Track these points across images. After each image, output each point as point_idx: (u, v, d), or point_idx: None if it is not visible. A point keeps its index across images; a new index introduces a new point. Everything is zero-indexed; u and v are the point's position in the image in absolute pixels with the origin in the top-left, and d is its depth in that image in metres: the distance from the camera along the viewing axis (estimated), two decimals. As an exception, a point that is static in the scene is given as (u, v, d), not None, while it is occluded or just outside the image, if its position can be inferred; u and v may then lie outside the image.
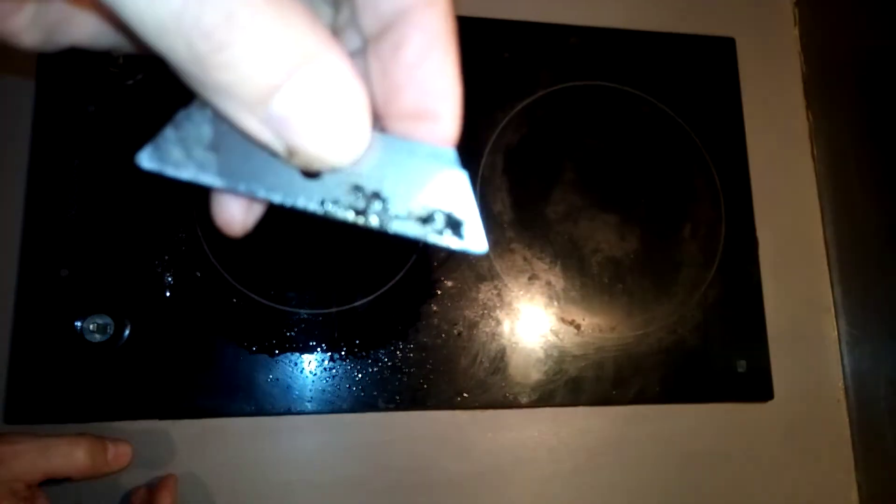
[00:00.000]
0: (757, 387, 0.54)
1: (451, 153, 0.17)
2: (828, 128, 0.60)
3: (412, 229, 0.17)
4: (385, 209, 0.17)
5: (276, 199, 0.17)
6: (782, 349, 0.55)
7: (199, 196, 0.19)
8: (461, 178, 0.17)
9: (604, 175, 0.56)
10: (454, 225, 0.17)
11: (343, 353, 0.48)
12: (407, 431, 0.50)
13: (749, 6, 0.63)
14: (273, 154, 0.16)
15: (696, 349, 0.53)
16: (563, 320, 0.52)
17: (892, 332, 0.53)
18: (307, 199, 0.17)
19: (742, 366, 0.53)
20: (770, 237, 0.57)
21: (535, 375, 0.51)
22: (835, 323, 0.58)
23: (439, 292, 0.51)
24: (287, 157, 0.15)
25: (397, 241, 0.17)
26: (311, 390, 0.47)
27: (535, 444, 0.51)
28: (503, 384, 0.50)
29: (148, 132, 0.16)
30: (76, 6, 0.18)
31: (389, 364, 0.49)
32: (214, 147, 0.16)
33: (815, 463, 0.55)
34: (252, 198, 0.18)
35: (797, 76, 0.63)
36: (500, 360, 0.50)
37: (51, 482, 0.39)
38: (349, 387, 0.48)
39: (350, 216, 0.17)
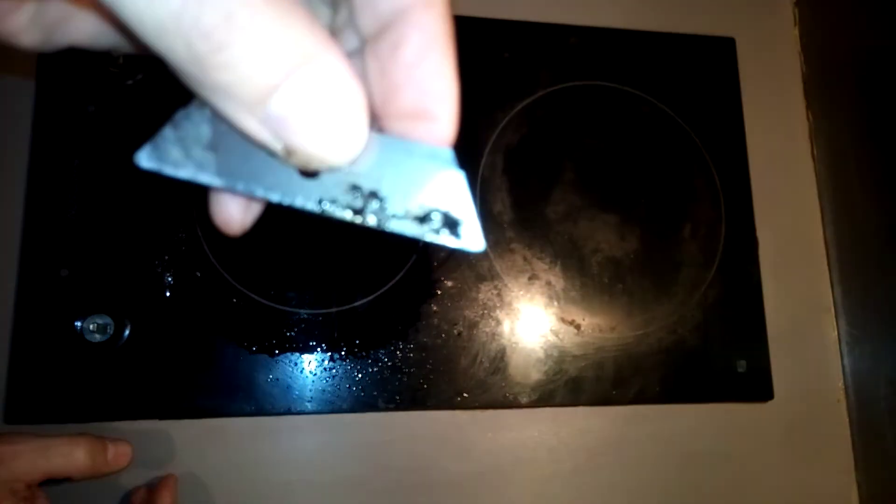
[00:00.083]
0: (757, 387, 0.54)
1: (449, 153, 0.17)
2: (828, 128, 0.60)
3: (409, 228, 0.17)
4: (382, 208, 0.17)
5: (275, 198, 0.17)
6: (782, 349, 0.55)
7: (199, 196, 0.19)
8: (458, 178, 0.17)
9: (604, 175, 0.56)
10: (451, 224, 0.17)
11: (343, 353, 0.48)
12: (407, 431, 0.50)
13: (749, 6, 0.63)
14: (271, 154, 0.16)
15: (696, 349, 0.53)
16: (563, 320, 0.52)
17: (892, 332, 0.53)
18: (305, 198, 0.17)
19: (742, 366, 0.53)
20: (770, 237, 0.57)
21: (535, 375, 0.51)
22: (835, 323, 0.58)
23: (439, 292, 0.51)
24: (285, 157, 0.16)
25: (397, 240, 0.17)
26: (311, 390, 0.47)
27: (535, 444, 0.51)
28: (503, 384, 0.50)
29: (148, 132, 0.16)
30: (75, 6, 0.19)
31: (389, 364, 0.49)
32: (213, 146, 0.16)
33: (815, 463, 0.55)
34: (250, 197, 0.18)
35: (797, 76, 0.63)
36: (500, 360, 0.50)
37: (51, 482, 0.39)
38: (349, 387, 0.48)
39: (348, 215, 0.17)
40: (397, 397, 0.48)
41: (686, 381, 0.53)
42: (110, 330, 0.46)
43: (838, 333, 0.58)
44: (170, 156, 0.16)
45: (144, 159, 0.16)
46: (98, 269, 0.47)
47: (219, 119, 0.16)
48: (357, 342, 0.49)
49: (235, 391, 0.47)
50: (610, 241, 0.54)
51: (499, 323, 0.51)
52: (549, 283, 0.53)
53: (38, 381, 0.45)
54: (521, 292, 0.52)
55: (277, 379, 0.47)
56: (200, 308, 0.47)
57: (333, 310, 0.49)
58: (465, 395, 0.49)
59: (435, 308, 0.50)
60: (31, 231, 0.47)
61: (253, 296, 0.48)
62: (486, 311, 0.51)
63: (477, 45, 0.56)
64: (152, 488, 0.44)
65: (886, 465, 0.53)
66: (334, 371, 0.48)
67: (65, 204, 0.47)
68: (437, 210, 0.17)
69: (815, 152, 0.61)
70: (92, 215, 0.47)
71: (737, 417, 0.54)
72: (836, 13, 0.60)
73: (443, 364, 0.49)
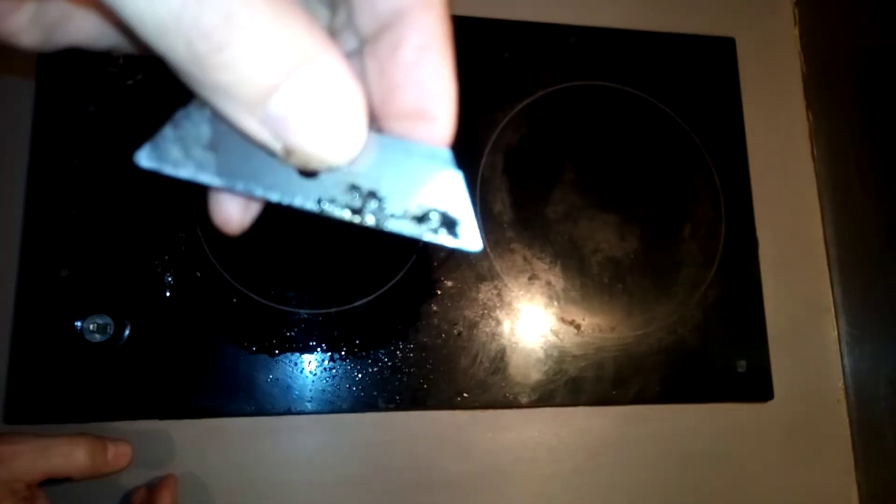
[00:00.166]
0: (757, 387, 0.54)
1: (447, 153, 0.17)
2: (828, 128, 0.60)
3: (408, 228, 0.17)
4: (381, 208, 0.17)
5: (274, 197, 0.17)
6: (782, 349, 0.55)
7: (199, 196, 0.19)
8: (456, 178, 0.17)
9: (604, 175, 0.56)
10: (449, 224, 0.17)
11: (343, 353, 0.48)
12: (407, 431, 0.50)
13: (749, 6, 0.63)
14: (271, 153, 0.16)
15: (696, 349, 0.53)
16: (563, 320, 0.52)
17: (892, 332, 0.53)
18: (304, 198, 0.17)
19: (742, 366, 0.53)
20: (770, 237, 0.57)
21: (535, 375, 0.51)
22: (835, 323, 0.58)
23: (439, 292, 0.51)
24: (284, 157, 0.16)
25: (397, 240, 0.18)
26: (311, 390, 0.47)
27: (535, 444, 0.51)
28: (503, 384, 0.50)
29: (148, 132, 0.16)
30: (76, 6, 0.19)
31: (389, 364, 0.49)
32: (213, 146, 0.16)
33: (815, 463, 0.55)
34: (250, 197, 0.18)
35: (797, 76, 0.63)
36: (500, 360, 0.50)
37: (51, 482, 0.39)
38: (349, 387, 0.48)
39: (346, 215, 0.17)
40: (397, 397, 0.48)
41: (686, 381, 0.53)
42: (110, 330, 0.46)
43: (838, 333, 0.58)
44: (169, 155, 0.16)
45: (144, 159, 0.16)
46: (98, 269, 0.47)
47: (218, 119, 0.16)
48: (357, 342, 0.49)
49: (235, 391, 0.47)
50: (610, 241, 0.54)
51: (499, 323, 0.51)
52: (549, 283, 0.53)
53: (38, 381, 0.45)
54: (521, 292, 0.52)
55: (277, 379, 0.47)
56: (200, 308, 0.47)
57: (333, 310, 0.49)
58: (465, 395, 0.49)
59: (435, 308, 0.50)
60: (31, 231, 0.47)
61: (253, 296, 0.48)
62: (486, 311, 0.51)
63: (477, 45, 0.56)
64: (152, 488, 0.44)
65: (886, 465, 0.53)
66: (334, 371, 0.48)
67: (65, 204, 0.47)
68: (435, 210, 0.17)
69: (815, 152, 0.61)
70: (92, 215, 0.47)
71: (737, 417, 0.54)
72: (836, 13, 0.60)
73: (443, 364, 0.49)
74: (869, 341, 0.55)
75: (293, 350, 0.48)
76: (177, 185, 0.17)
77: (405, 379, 0.49)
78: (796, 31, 0.64)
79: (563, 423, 0.52)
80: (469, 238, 0.17)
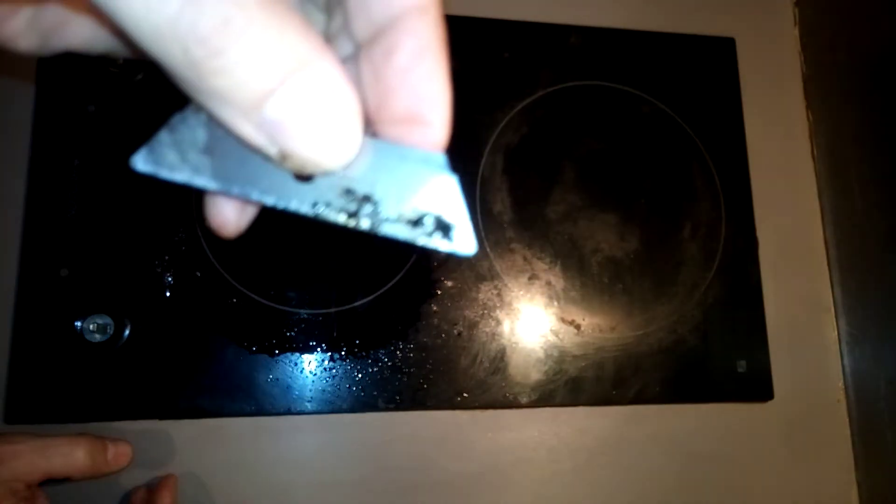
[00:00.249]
0: (757, 387, 0.54)
1: (442, 158, 0.17)
2: (828, 128, 0.60)
3: (403, 232, 0.17)
4: (376, 212, 0.17)
5: (269, 201, 0.17)
6: (782, 349, 0.55)
7: (199, 196, 0.19)
8: (451, 183, 0.17)
9: (604, 175, 0.56)
10: (444, 228, 0.17)
11: (343, 353, 0.48)
12: (407, 431, 0.50)
13: (749, 6, 0.63)
14: (266, 158, 0.16)
15: (696, 349, 0.53)
16: (563, 320, 0.52)
17: (892, 332, 0.53)
18: (300, 201, 0.17)
19: (742, 366, 0.53)
20: (770, 237, 0.57)
21: (535, 375, 0.51)
22: (835, 323, 0.58)
23: (439, 292, 0.51)
24: (280, 161, 0.16)
25: (395, 242, 0.18)
26: (311, 390, 0.47)
27: (535, 444, 0.51)
28: (503, 384, 0.50)
29: (148, 132, 0.17)
30: (72, 11, 0.19)
31: (389, 364, 0.49)
32: (209, 150, 0.17)
33: (815, 463, 0.55)
34: (245, 200, 0.18)
35: (797, 76, 0.63)
36: (500, 360, 0.50)
37: (51, 482, 0.39)
38: (349, 387, 0.48)
39: (341, 219, 0.17)
40: (397, 397, 0.48)
41: (686, 381, 0.53)
42: (110, 330, 0.46)
43: (838, 333, 0.58)
44: (166, 159, 0.16)
45: (140, 162, 0.16)
46: (98, 269, 0.47)
47: (214, 123, 0.16)
48: (357, 342, 0.49)
49: (235, 391, 0.47)
50: (610, 241, 0.54)
51: (499, 323, 0.51)
52: (549, 283, 0.53)
53: (38, 381, 0.45)
54: (521, 292, 0.52)
55: (277, 379, 0.47)
56: (200, 308, 0.47)
57: (333, 310, 0.49)
58: (465, 395, 0.49)
59: (435, 308, 0.50)
60: (31, 231, 0.47)
61: (253, 296, 0.48)
62: (486, 311, 0.51)
63: (477, 45, 0.56)
64: (152, 488, 0.44)
65: (886, 465, 0.53)
66: (334, 371, 0.48)
67: (65, 204, 0.47)
68: (429, 214, 0.17)
69: (815, 152, 0.61)
70: (92, 215, 0.47)
71: (737, 417, 0.54)
72: (836, 13, 0.60)
73: (443, 364, 0.49)
74: (869, 341, 0.55)
75: (293, 350, 0.48)
76: (176, 185, 0.17)
77: (405, 379, 0.49)
78: (796, 31, 0.64)
79: (563, 423, 0.52)
80: (464, 242, 0.17)
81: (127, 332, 0.46)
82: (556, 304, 0.52)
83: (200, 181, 0.17)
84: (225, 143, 0.16)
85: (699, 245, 0.56)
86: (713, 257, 0.55)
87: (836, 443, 0.56)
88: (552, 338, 0.52)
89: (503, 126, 0.55)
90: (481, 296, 0.51)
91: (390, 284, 0.50)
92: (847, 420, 0.56)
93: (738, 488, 0.53)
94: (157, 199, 0.49)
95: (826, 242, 0.59)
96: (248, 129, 0.15)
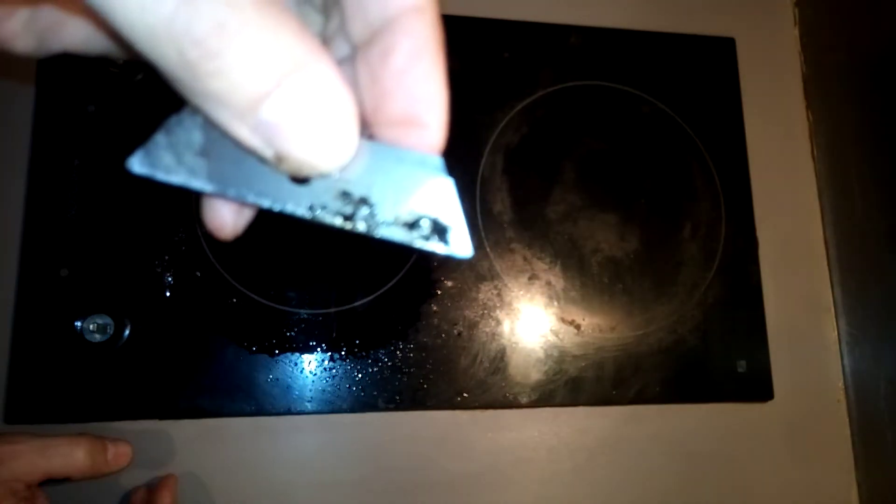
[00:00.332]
0: (757, 387, 0.54)
1: (438, 160, 0.17)
2: (828, 128, 0.60)
3: (399, 235, 0.17)
4: (372, 215, 0.17)
5: (266, 204, 0.17)
6: (782, 349, 0.55)
7: (199, 196, 0.19)
8: (447, 185, 0.17)
9: (604, 175, 0.56)
10: (440, 231, 0.17)
11: (343, 353, 0.48)
12: (407, 431, 0.50)
13: (749, 6, 0.63)
14: (262, 160, 0.16)
15: (696, 349, 0.53)
16: (563, 320, 0.52)
17: (892, 332, 0.53)
18: (296, 204, 0.17)
19: (742, 366, 0.53)
20: (770, 237, 0.57)
21: (535, 375, 0.51)
22: (835, 323, 0.58)
23: (439, 292, 0.51)
24: (276, 163, 0.16)
25: (392, 244, 0.18)
26: (311, 390, 0.47)
27: (535, 444, 0.51)
28: (503, 384, 0.50)
29: (147, 133, 0.17)
30: (68, 13, 0.19)
31: (389, 364, 0.49)
32: (205, 152, 0.17)
33: (815, 463, 0.55)
34: (242, 203, 0.18)
35: (797, 76, 0.63)
36: (500, 360, 0.50)
37: (51, 482, 0.39)
38: (349, 387, 0.48)
39: (338, 221, 0.17)
40: (397, 397, 0.48)
41: (686, 381, 0.53)
42: (110, 330, 0.46)
43: (838, 333, 0.58)
44: (162, 161, 0.16)
45: (136, 165, 0.16)
46: (98, 269, 0.47)
47: (210, 125, 0.16)
48: (357, 342, 0.49)
49: (235, 391, 0.47)
50: (610, 241, 0.54)
51: (499, 323, 0.51)
52: (549, 283, 0.53)
53: (38, 381, 0.45)
54: (521, 292, 0.52)
55: (277, 379, 0.47)
56: (200, 308, 0.48)
57: (333, 310, 0.49)
58: (465, 395, 0.49)
59: (435, 308, 0.50)
60: (31, 231, 0.47)
61: (253, 296, 0.48)
62: (486, 311, 0.51)
63: (477, 45, 0.56)
64: (152, 488, 0.44)
65: (886, 465, 0.53)
66: (334, 371, 0.48)
67: (65, 204, 0.47)
68: (426, 217, 0.17)
69: (815, 152, 0.61)
70: (92, 215, 0.47)
71: (737, 417, 0.54)
72: (836, 13, 0.60)
73: (443, 364, 0.49)
74: (869, 341, 0.55)
75: (293, 350, 0.48)
76: (173, 187, 0.17)
77: (405, 379, 0.49)
78: (796, 31, 0.64)
79: (563, 423, 0.52)
80: (460, 245, 0.17)
81: (127, 332, 0.46)
82: (556, 304, 0.52)
83: (196, 183, 0.17)
84: (221, 145, 0.16)
85: (699, 245, 0.56)
86: (713, 257, 0.55)
87: (836, 443, 0.56)
88: (552, 338, 0.52)
89: (503, 126, 0.55)
90: (481, 296, 0.51)
91: (390, 284, 0.50)
92: (847, 420, 0.56)
93: (738, 488, 0.53)
94: (158, 200, 0.49)
95: (826, 242, 0.59)
96: (243, 132, 0.15)
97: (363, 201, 0.17)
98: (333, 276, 0.50)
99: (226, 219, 0.19)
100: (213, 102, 0.15)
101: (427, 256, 0.51)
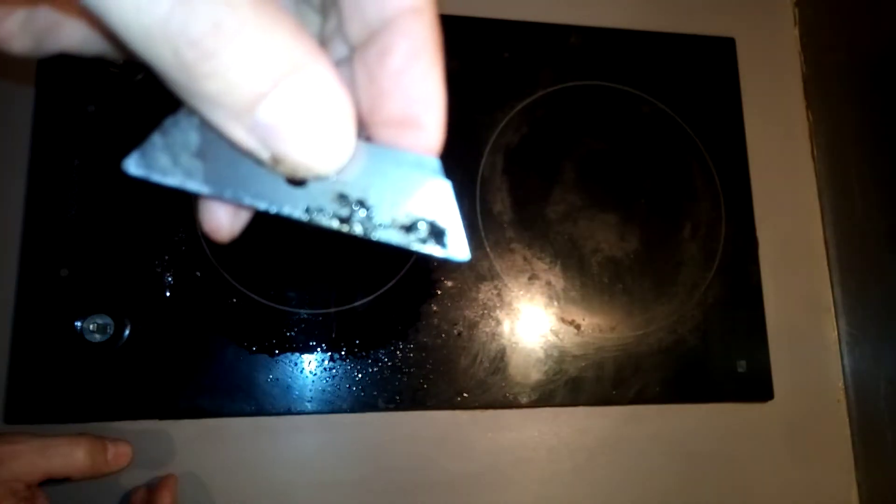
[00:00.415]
0: (757, 387, 0.54)
1: (435, 162, 0.17)
2: (828, 128, 0.60)
3: (396, 237, 0.17)
4: (369, 217, 0.17)
5: (262, 206, 0.17)
6: (782, 349, 0.55)
7: (196, 198, 0.19)
8: (445, 188, 0.17)
9: (604, 175, 0.56)
10: (437, 234, 0.17)
11: (343, 353, 0.48)
12: (407, 431, 0.50)
13: (749, 6, 0.63)
14: (259, 162, 0.16)
15: (696, 349, 0.53)
16: (563, 320, 0.52)
17: (892, 332, 0.53)
18: (292, 206, 0.17)
19: (742, 366, 0.53)
20: (770, 237, 0.57)
21: (535, 375, 0.51)
22: (835, 323, 0.58)
23: (439, 292, 0.51)
24: (272, 165, 0.16)
25: (390, 246, 0.17)
26: (311, 390, 0.47)
27: (535, 444, 0.51)
28: (503, 384, 0.50)
29: (147, 133, 0.16)
30: (64, 13, 0.19)
31: (389, 364, 0.49)
32: (201, 154, 0.16)
33: (815, 463, 0.55)
34: (238, 205, 0.18)
35: (797, 76, 0.63)
36: (500, 360, 0.50)
37: (51, 482, 0.39)
38: (349, 387, 0.48)
39: (334, 224, 0.17)
40: (397, 397, 0.48)
41: (686, 381, 0.53)
42: (110, 330, 0.46)
43: (838, 333, 0.58)
44: (158, 163, 0.16)
45: (132, 166, 0.16)
46: (98, 269, 0.47)
47: (207, 127, 0.16)
48: (357, 342, 0.49)
49: (235, 391, 0.47)
50: (610, 241, 0.54)
51: (499, 323, 0.51)
52: (549, 283, 0.53)
53: (38, 381, 0.45)
54: (521, 292, 0.52)
55: (277, 379, 0.47)
56: (200, 308, 0.48)
57: (333, 310, 0.49)
58: (465, 395, 0.49)
59: (435, 308, 0.50)
60: (31, 231, 0.47)
61: (253, 296, 0.48)
62: (486, 311, 0.51)
63: (477, 45, 0.56)
64: (152, 488, 0.44)
65: (886, 465, 0.53)
66: (334, 371, 0.48)
67: (65, 204, 0.47)
68: (423, 219, 0.17)
69: (815, 152, 0.61)
70: (92, 215, 0.47)
71: (737, 417, 0.54)
72: (836, 13, 0.60)
73: (443, 364, 0.49)
74: (869, 341, 0.55)
75: (293, 350, 0.48)
76: (170, 189, 0.17)
77: (405, 379, 0.49)
78: (796, 31, 0.64)
79: (563, 423, 0.52)
80: (457, 248, 0.17)
81: (127, 332, 0.46)
82: (556, 304, 0.52)
83: (192, 185, 0.16)
84: (217, 146, 0.16)
85: (699, 245, 0.56)
86: (713, 257, 0.55)
87: (836, 443, 0.56)
88: (552, 338, 0.52)
89: (503, 126, 0.55)
90: (481, 296, 0.51)
91: (390, 284, 0.50)
92: (847, 420, 0.56)
93: (738, 488, 0.53)
94: (157, 200, 0.49)
95: (826, 242, 0.59)
96: (240, 133, 0.15)
97: (360, 204, 0.17)
98: (333, 276, 0.50)
99: (222, 221, 0.19)
100: (210, 104, 0.14)
101: (426, 257, 0.51)
